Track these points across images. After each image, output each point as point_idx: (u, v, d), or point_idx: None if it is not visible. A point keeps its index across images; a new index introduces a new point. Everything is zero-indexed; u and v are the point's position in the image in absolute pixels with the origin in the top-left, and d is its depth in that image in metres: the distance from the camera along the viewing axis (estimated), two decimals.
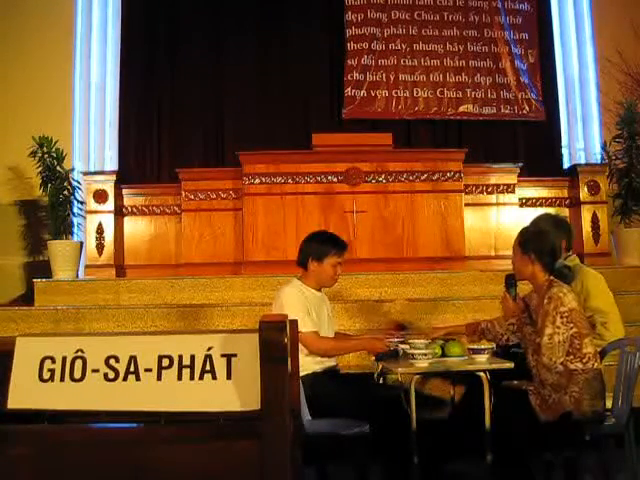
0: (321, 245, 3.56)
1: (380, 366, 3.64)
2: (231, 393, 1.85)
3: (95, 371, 1.91)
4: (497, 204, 6.66)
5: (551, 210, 6.75)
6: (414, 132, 7.48)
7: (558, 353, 2.95)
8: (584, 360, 3.00)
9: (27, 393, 1.90)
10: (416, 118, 7.45)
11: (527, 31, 7.61)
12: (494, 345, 3.39)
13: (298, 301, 3.39)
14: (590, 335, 3.08)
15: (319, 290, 3.61)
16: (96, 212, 6.35)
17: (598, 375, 3.03)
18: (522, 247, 3.20)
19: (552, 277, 3.14)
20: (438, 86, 7.45)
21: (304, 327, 3.26)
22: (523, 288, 3.35)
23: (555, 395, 2.98)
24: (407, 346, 3.36)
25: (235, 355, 1.89)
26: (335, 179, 6.33)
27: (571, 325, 2.98)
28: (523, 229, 3.35)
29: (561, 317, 2.96)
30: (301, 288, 3.53)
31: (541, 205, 6.78)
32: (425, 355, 3.15)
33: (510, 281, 3.23)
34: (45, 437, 1.84)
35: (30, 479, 1.79)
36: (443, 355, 3.38)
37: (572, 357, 3.00)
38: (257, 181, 6.29)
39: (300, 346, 2.94)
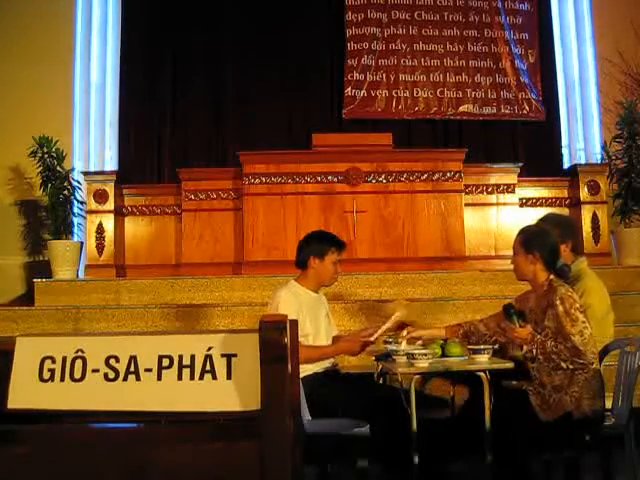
0: (322, 243, 3.57)
1: (380, 366, 3.64)
2: (231, 393, 1.85)
3: (95, 371, 1.91)
4: (497, 204, 6.65)
5: (552, 210, 6.77)
6: (414, 132, 7.48)
7: (595, 344, 2.95)
8: (595, 360, 2.99)
9: (27, 393, 1.90)
10: (416, 118, 7.45)
11: (527, 31, 7.61)
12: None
13: (292, 306, 3.35)
14: (593, 334, 3.07)
15: (316, 291, 3.61)
16: (96, 212, 6.35)
17: (597, 374, 3.03)
18: (524, 247, 3.19)
19: (552, 276, 3.14)
20: (438, 86, 7.45)
21: None
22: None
23: (555, 395, 2.98)
24: (404, 347, 3.37)
25: (235, 355, 1.89)
26: (335, 179, 6.33)
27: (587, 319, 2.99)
28: (523, 228, 3.34)
29: (580, 312, 2.97)
30: (297, 291, 3.52)
31: (541, 205, 6.78)
32: (425, 355, 3.15)
33: (509, 311, 3.13)
34: (45, 437, 1.84)
35: (30, 479, 1.78)
36: (443, 355, 3.38)
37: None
38: (257, 181, 6.29)
39: None
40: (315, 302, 3.56)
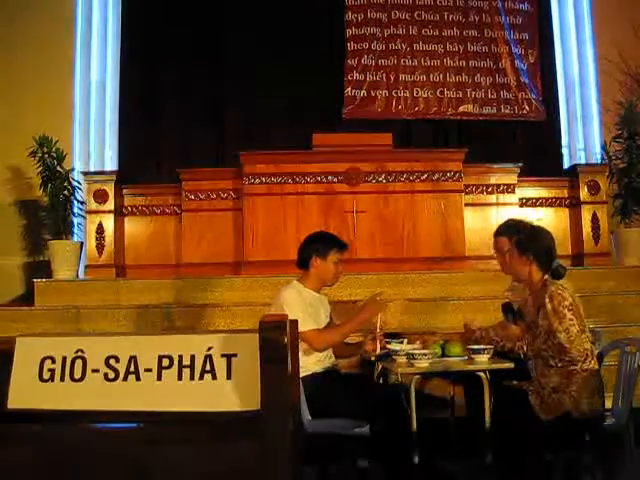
0: (324, 243, 3.60)
1: (380, 366, 3.64)
2: (231, 393, 1.85)
3: (95, 371, 1.91)
4: (497, 204, 6.64)
5: (552, 210, 6.77)
6: (414, 132, 7.48)
7: (583, 343, 2.97)
8: (582, 357, 3.00)
9: (27, 393, 1.90)
10: (416, 118, 7.45)
11: (527, 31, 7.62)
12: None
13: (297, 302, 3.40)
14: (586, 332, 3.09)
15: (318, 291, 3.62)
16: (96, 212, 6.34)
17: (596, 373, 3.03)
18: (519, 248, 3.23)
19: (546, 276, 3.16)
20: (438, 86, 7.45)
21: (305, 326, 3.27)
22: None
23: (555, 395, 2.98)
24: (404, 346, 3.37)
25: (235, 355, 1.89)
26: (335, 179, 6.33)
27: (576, 318, 3.00)
28: (513, 229, 3.39)
29: (569, 310, 2.99)
30: (300, 290, 3.54)
31: (541, 205, 6.78)
32: (425, 355, 3.15)
33: (506, 309, 3.27)
34: (45, 437, 1.84)
35: (30, 479, 1.78)
36: (443, 355, 3.38)
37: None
38: (257, 181, 6.28)
39: (300, 346, 2.93)
40: (316, 302, 3.58)
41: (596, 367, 3.05)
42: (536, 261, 3.18)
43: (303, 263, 3.61)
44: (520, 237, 3.27)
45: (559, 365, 3.01)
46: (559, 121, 7.66)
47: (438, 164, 6.43)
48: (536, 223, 3.79)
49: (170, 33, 7.33)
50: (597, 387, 3.02)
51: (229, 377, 1.87)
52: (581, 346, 2.97)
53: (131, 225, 6.59)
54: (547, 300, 3.03)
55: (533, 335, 3.10)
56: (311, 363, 3.38)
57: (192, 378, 1.88)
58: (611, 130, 6.72)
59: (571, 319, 2.97)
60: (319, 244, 3.59)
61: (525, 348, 3.11)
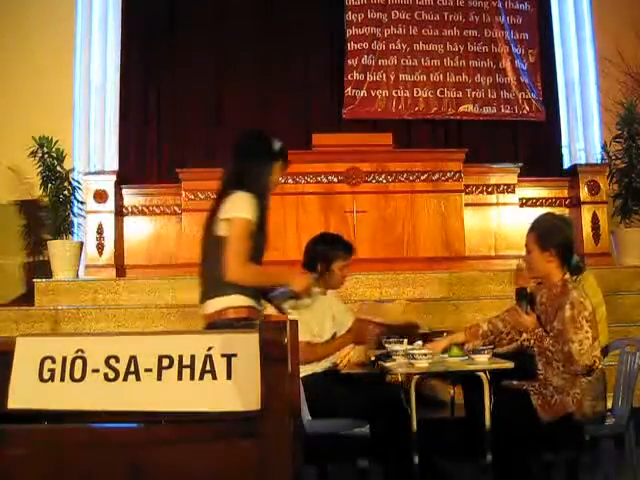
0: (329, 249, 3.56)
1: (380, 366, 3.63)
2: (231, 393, 1.85)
3: (95, 371, 1.90)
4: (497, 204, 6.66)
5: (551, 210, 6.77)
6: (414, 132, 7.49)
7: (590, 356, 2.91)
8: (586, 370, 2.97)
9: (27, 393, 1.90)
10: (416, 118, 7.46)
11: (527, 31, 7.62)
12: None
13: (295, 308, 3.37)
14: (598, 338, 3.05)
15: (324, 293, 3.60)
16: (96, 212, 6.34)
17: (600, 376, 3.01)
18: (542, 243, 3.07)
19: (567, 276, 3.07)
20: (438, 86, 7.46)
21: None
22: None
23: (557, 396, 2.97)
24: (404, 347, 3.37)
25: (235, 355, 1.89)
26: (335, 179, 6.33)
27: (592, 329, 2.96)
28: (536, 225, 3.17)
29: (586, 321, 2.92)
30: None
31: (541, 205, 6.78)
32: (425, 355, 3.15)
33: (521, 294, 3.12)
34: (45, 437, 1.84)
35: (30, 479, 1.78)
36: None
37: None
38: None
39: None
40: (320, 303, 3.55)
41: (602, 370, 3.02)
42: (559, 257, 3.04)
43: (308, 266, 3.58)
44: (540, 232, 3.10)
45: (561, 368, 2.96)
46: (559, 121, 7.66)
47: (438, 164, 6.45)
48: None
49: (170, 33, 7.34)
50: (601, 390, 3.00)
51: (229, 377, 1.86)
52: (589, 360, 2.90)
53: (131, 225, 6.60)
54: (568, 306, 2.94)
55: (543, 332, 3.04)
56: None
57: (192, 378, 1.88)
58: (611, 130, 6.73)
59: (587, 331, 2.90)
60: (324, 250, 3.55)
61: (531, 342, 3.02)
